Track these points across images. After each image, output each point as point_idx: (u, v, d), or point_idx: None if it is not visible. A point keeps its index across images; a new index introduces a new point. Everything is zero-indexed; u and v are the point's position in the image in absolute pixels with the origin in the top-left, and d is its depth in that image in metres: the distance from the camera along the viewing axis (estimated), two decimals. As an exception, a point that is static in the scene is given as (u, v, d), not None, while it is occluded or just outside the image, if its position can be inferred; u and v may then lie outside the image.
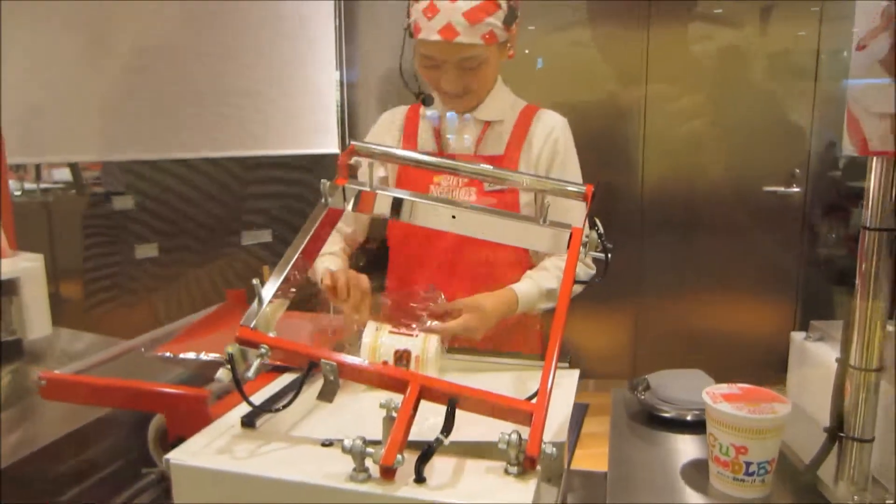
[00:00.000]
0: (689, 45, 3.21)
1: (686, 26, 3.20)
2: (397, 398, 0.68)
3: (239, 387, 0.73)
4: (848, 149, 0.75)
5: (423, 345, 0.94)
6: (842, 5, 2.98)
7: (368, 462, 0.64)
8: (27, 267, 1.22)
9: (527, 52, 3.21)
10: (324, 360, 0.73)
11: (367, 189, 0.97)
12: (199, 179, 2.75)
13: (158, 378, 0.98)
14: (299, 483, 0.64)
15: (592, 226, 0.91)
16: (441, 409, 0.70)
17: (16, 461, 0.82)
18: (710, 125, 3.24)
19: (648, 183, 3.29)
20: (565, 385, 0.92)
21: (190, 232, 2.73)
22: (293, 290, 0.86)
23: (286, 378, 0.90)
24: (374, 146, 1.00)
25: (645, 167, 3.28)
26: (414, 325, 1.02)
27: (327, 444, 0.71)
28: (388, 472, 0.63)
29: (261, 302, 0.79)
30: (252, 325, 0.76)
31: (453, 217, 0.96)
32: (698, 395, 0.86)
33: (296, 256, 0.86)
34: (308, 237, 0.88)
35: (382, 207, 0.98)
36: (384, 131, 1.39)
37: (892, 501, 0.76)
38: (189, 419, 0.75)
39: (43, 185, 2.61)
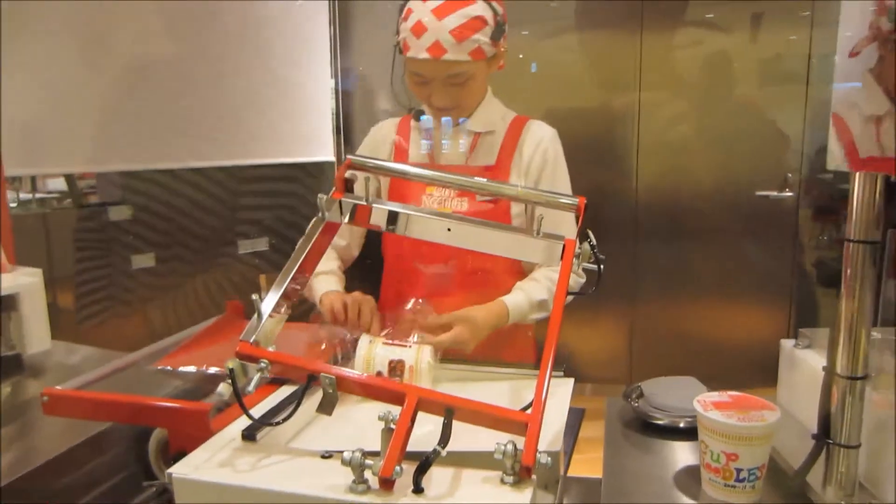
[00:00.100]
0: (682, 50, 3.23)
1: (678, 32, 3.22)
2: (395, 410, 0.70)
3: (240, 401, 0.74)
4: (834, 164, 0.77)
5: (417, 355, 0.96)
6: (833, 9, 2.99)
7: (367, 474, 0.66)
8: (26, 282, 1.22)
9: (521, 56, 3.23)
10: (323, 373, 0.74)
11: (364, 203, 0.99)
12: (194, 189, 2.75)
13: (158, 391, 0.99)
14: (301, 495, 0.66)
15: (585, 237, 0.93)
16: (436, 418, 0.71)
17: (16, 478, 0.83)
18: (702, 130, 3.26)
19: (643, 188, 3.31)
20: (560, 394, 0.93)
21: (186, 242, 2.74)
22: (292, 304, 0.88)
23: (285, 390, 0.92)
24: (370, 160, 1.02)
25: (639, 173, 3.29)
26: (407, 339, 1.03)
27: (327, 456, 0.73)
28: (387, 484, 0.65)
29: (260, 317, 0.80)
30: (252, 340, 0.77)
31: (448, 230, 0.97)
32: (691, 402, 0.87)
33: (294, 270, 0.87)
34: (306, 252, 0.90)
35: (379, 220, 1.00)
36: (376, 145, 1.41)
37: (879, 506, 0.77)
38: (191, 433, 0.77)
39: (38, 195, 2.62)
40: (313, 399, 0.77)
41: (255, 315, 0.80)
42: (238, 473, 0.69)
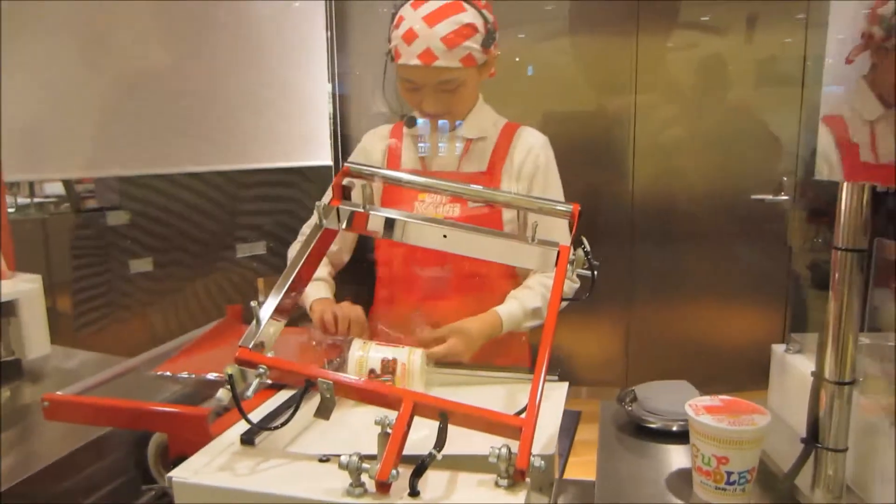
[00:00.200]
0: (678, 53, 3.24)
1: (674, 35, 3.23)
2: (391, 414, 0.71)
3: (239, 406, 0.75)
4: (823, 174, 0.79)
5: (409, 356, 0.97)
6: (827, 12, 3.03)
7: (364, 477, 0.67)
8: (26, 289, 1.23)
9: (517, 59, 3.25)
10: (321, 378, 0.75)
11: (361, 210, 1.00)
12: (192, 193, 2.76)
13: (157, 396, 1.00)
14: (298, 498, 0.67)
15: (579, 243, 0.94)
16: (431, 422, 0.72)
17: (16, 483, 0.84)
18: (698, 133, 3.27)
19: (638, 191, 3.32)
20: (554, 398, 0.94)
21: (184, 246, 2.75)
22: (290, 310, 0.89)
23: (283, 395, 0.93)
24: (368, 167, 1.03)
25: (635, 175, 3.30)
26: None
27: (324, 459, 0.74)
28: (383, 487, 0.66)
29: (259, 323, 0.81)
30: (251, 346, 0.78)
31: (444, 236, 0.99)
32: (683, 406, 0.89)
33: (292, 277, 0.88)
34: (304, 259, 0.91)
35: (375, 227, 1.01)
36: (369, 152, 1.42)
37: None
38: (190, 437, 0.78)
39: (36, 200, 2.62)
40: (311, 403, 0.78)
41: (254, 321, 0.82)
42: (237, 477, 0.70)
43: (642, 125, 3.25)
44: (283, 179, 2.97)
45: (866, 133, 0.74)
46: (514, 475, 0.68)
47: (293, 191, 3.01)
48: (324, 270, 1.38)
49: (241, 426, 0.79)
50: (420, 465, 0.68)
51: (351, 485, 0.67)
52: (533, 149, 1.35)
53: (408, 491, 0.67)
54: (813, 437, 0.81)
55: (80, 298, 2.53)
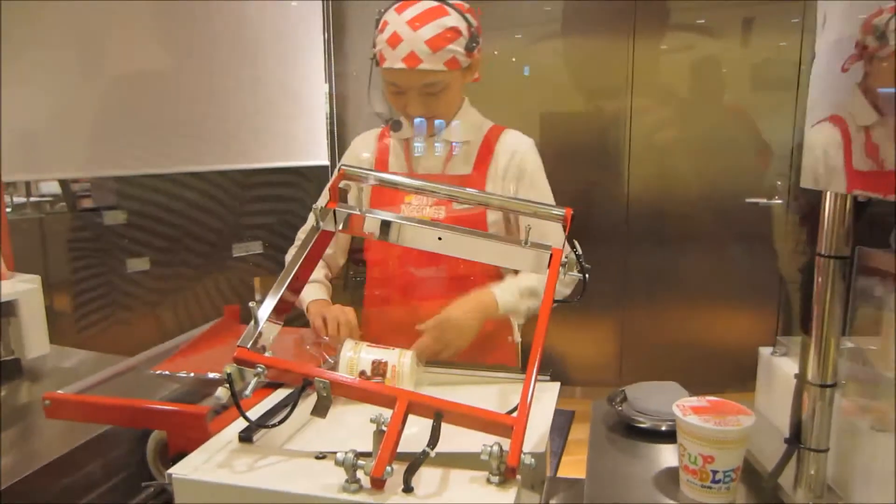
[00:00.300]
0: (673, 55, 3.25)
1: (670, 37, 3.24)
2: (386, 413, 0.73)
3: (238, 405, 0.77)
4: (808, 182, 0.80)
5: (399, 358, 0.99)
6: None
7: (360, 474, 0.69)
8: (25, 289, 1.24)
9: (513, 60, 3.26)
10: (317, 378, 0.77)
11: (357, 213, 1.02)
12: (188, 193, 2.78)
13: (156, 394, 1.02)
14: (296, 494, 0.69)
15: (571, 247, 0.96)
16: (424, 420, 0.74)
17: (16, 481, 0.85)
18: (693, 136, 3.29)
19: (633, 193, 3.33)
20: (545, 398, 0.97)
21: (181, 245, 2.76)
22: (287, 310, 0.91)
23: (281, 393, 0.95)
24: (364, 171, 1.05)
25: (630, 177, 3.32)
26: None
27: (321, 457, 0.76)
28: (378, 483, 0.68)
29: (257, 323, 0.83)
30: (249, 346, 0.80)
31: (439, 239, 1.01)
32: (672, 407, 0.91)
33: (290, 279, 0.90)
34: (301, 260, 0.93)
35: (371, 229, 1.03)
36: (357, 156, 1.45)
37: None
38: (190, 435, 0.79)
39: (32, 199, 2.63)
40: (308, 402, 0.80)
41: (252, 321, 0.83)
42: (236, 474, 0.72)
43: (637, 127, 3.27)
44: (280, 179, 2.99)
45: (863, 139, 0.75)
46: (505, 472, 0.70)
47: (290, 191, 3.02)
48: (320, 273, 1.40)
49: (240, 424, 0.81)
50: (414, 462, 0.70)
51: (347, 481, 0.69)
52: (517, 151, 1.37)
53: (402, 487, 0.69)
54: (796, 437, 0.83)
55: (78, 298, 2.54)
